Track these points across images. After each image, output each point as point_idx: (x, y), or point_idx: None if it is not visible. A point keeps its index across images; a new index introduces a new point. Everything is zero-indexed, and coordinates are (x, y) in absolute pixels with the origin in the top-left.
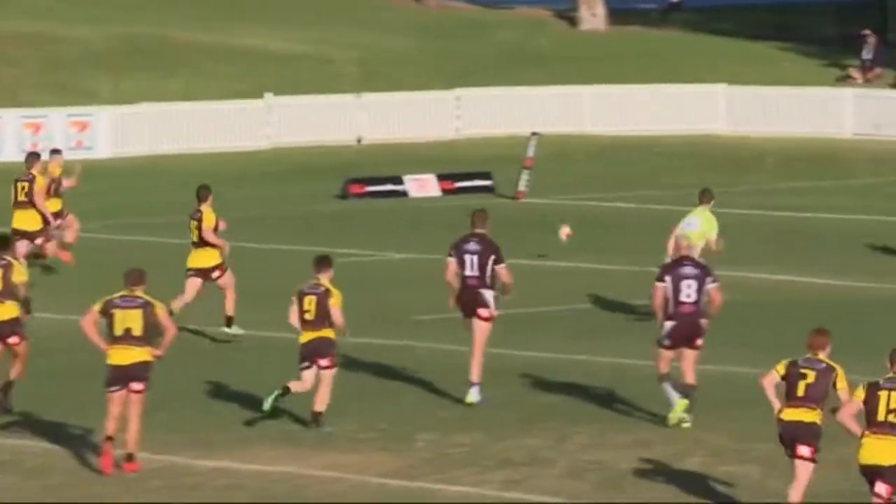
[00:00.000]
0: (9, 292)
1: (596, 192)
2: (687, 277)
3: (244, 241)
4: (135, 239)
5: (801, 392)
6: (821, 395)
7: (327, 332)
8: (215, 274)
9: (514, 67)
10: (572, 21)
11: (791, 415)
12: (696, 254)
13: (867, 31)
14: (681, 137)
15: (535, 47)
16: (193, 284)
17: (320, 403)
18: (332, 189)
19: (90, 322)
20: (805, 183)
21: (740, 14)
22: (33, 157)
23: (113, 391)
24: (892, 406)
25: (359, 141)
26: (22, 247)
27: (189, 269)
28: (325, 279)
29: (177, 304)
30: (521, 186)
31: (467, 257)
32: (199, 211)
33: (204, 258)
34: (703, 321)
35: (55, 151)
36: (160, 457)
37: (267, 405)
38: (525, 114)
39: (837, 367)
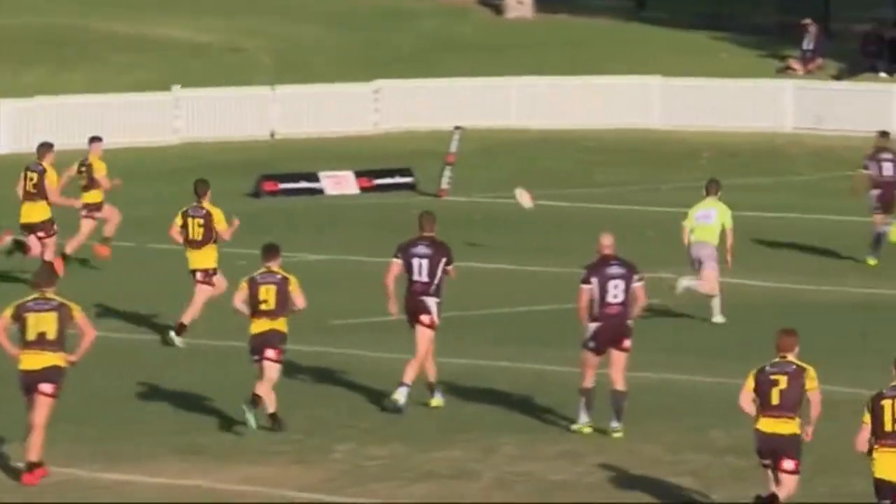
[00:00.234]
0: None
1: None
2: (614, 277)
3: (151, 242)
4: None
5: (775, 400)
6: (796, 401)
7: (280, 324)
8: (216, 278)
9: (436, 58)
10: (497, 9)
11: (769, 426)
12: (710, 252)
13: (808, 20)
14: (612, 132)
15: (458, 36)
16: (207, 291)
17: (270, 404)
18: (244, 187)
19: (0, 328)
20: (743, 179)
21: (675, 2)
22: (45, 147)
23: (30, 397)
24: None
25: (272, 136)
26: (35, 246)
27: (196, 271)
28: (276, 267)
29: (187, 317)
30: (444, 184)
31: (415, 261)
32: (204, 208)
33: (207, 259)
34: (630, 322)
35: (95, 139)
36: (64, 469)
37: (253, 423)
38: (448, 107)
39: (808, 367)
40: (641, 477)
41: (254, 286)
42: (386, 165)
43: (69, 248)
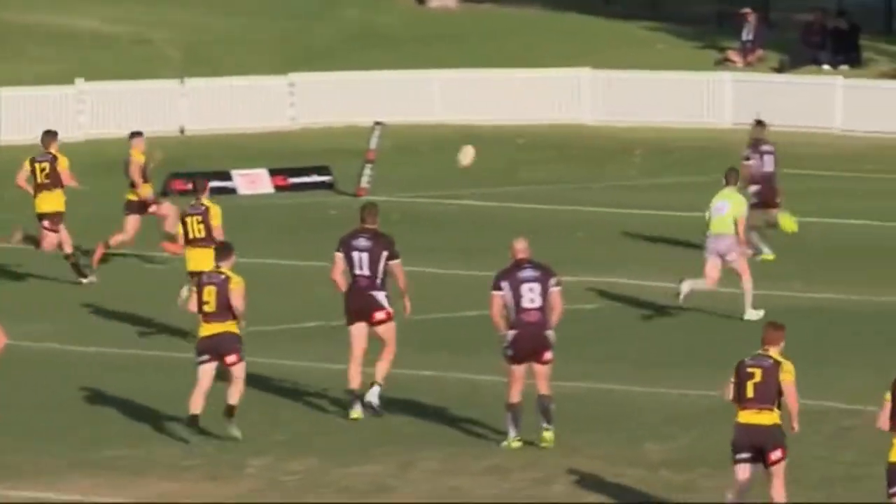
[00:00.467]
0: None
1: (447, 189)
2: (527, 281)
3: None
4: None
5: (749, 393)
6: (772, 395)
7: (231, 326)
8: None
9: (355, 50)
10: None
11: (746, 417)
12: (728, 243)
13: (747, 10)
14: (541, 127)
15: (379, 27)
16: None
17: (234, 397)
18: (151, 185)
19: None
20: (678, 178)
21: None
22: (50, 135)
23: None
24: None
25: (181, 132)
26: (48, 244)
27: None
28: (226, 267)
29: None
30: (364, 182)
31: (356, 255)
32: (203, 205)
33: (208, 259)
34: (550, 332)
35: (136, 134)
36: None
37: (237, 433)
38: (367, 101)
39: (785, 360)
40: (572, 492)
41: (199, 287)
42: (302, 163)
43: (113, 242)
